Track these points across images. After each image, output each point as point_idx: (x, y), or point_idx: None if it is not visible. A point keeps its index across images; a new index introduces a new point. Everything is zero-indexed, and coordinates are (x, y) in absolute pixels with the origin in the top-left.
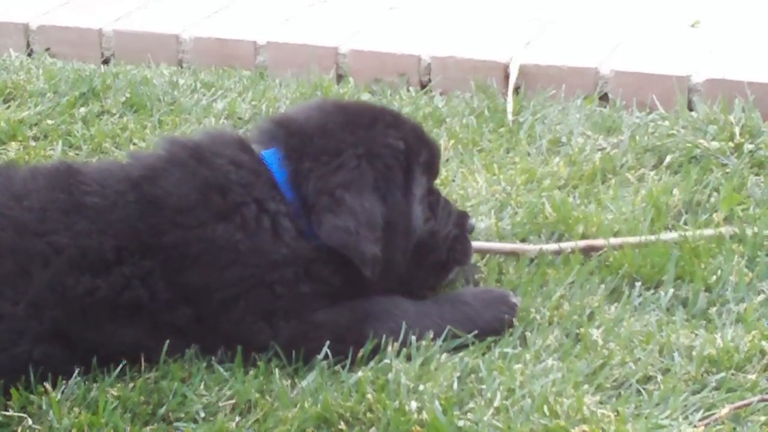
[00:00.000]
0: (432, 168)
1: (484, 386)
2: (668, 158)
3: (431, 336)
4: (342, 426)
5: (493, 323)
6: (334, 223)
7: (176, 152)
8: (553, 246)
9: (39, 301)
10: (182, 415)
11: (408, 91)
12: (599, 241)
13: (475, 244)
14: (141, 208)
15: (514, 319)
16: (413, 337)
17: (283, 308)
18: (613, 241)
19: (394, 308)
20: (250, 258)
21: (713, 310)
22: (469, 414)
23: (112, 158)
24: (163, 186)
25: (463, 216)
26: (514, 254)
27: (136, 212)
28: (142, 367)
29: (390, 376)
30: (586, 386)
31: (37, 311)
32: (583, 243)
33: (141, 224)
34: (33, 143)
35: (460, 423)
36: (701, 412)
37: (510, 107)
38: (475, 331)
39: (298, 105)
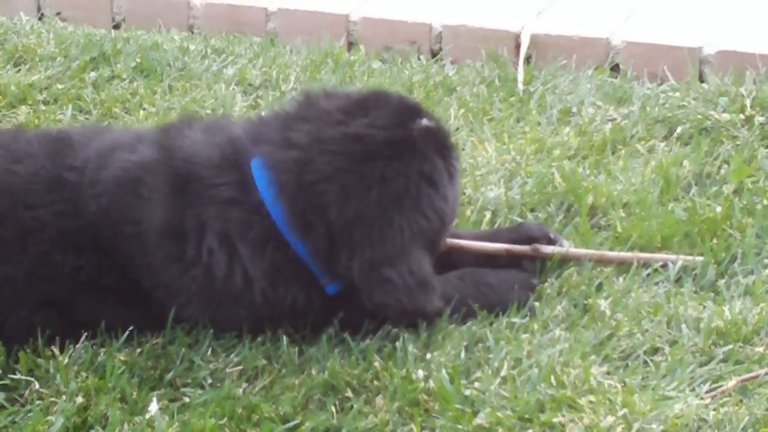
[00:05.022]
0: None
1: (491, 356)
2: (678, 129)
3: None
4: (349, 393)
5: (510, 306)
6: (386, 300)
7: (161, 171)
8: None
9: (35, 272)
10: (189, 381)
11: (419, 59)
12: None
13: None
14: (106, 217)
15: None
16: None
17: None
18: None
19: None
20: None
21: (722, 282)
22: (475, 383)
23: (118, 130)
24: (128, 205)
25: None
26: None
27: (102, 217)
28: (150, 333)
29: (397, 344)
30: (593, 357)
31: (34, 282)
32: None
33: (105, 232)
34: (43, 107)
35: (467, 392)
36: (708, 384)
37: (521, 77)
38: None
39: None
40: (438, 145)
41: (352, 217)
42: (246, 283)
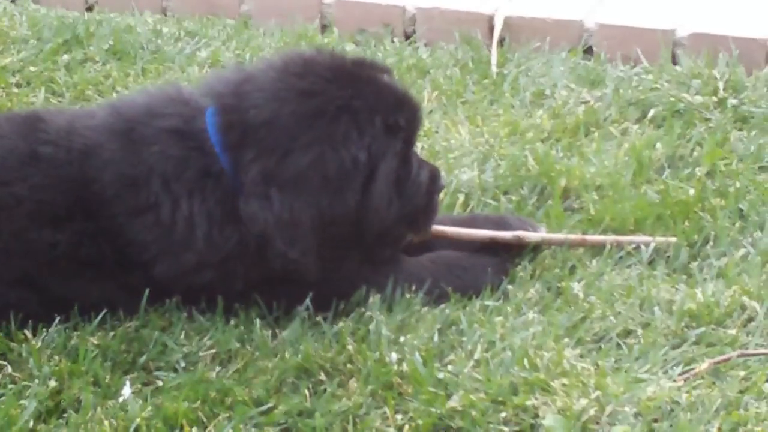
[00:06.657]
0: (409, 142)
1: (464, 339)
2: (651, 112)
3: (413, 288)
4: (322, 376)
5: (483, 289)
6: (256, 215)
7: (114, 126)
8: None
9: (9, 249)
10: (162, 364)
11: (392, 41)
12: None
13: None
14: (79, 178)
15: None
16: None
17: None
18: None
19: (383, 277)
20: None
21: (694, 264)
22: (449, 366)
23: (87, 107)
24: (93, 167)
25: (433, 178)
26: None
27: (77, 179)
28: (123, 316)
29: (371, 327)
30: (566, 339)
31: (8, 259)
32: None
33: (82, 192)
34: (16, 90)
35: (441, 375)
36: (681, 366)
37: (494, 59)
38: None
39: (262, 67)
40: (388, 101)
41: (267, 118)
42: (189, 223)
